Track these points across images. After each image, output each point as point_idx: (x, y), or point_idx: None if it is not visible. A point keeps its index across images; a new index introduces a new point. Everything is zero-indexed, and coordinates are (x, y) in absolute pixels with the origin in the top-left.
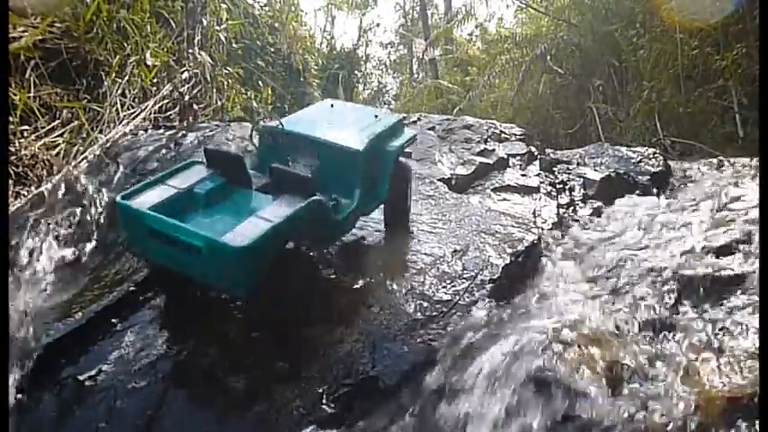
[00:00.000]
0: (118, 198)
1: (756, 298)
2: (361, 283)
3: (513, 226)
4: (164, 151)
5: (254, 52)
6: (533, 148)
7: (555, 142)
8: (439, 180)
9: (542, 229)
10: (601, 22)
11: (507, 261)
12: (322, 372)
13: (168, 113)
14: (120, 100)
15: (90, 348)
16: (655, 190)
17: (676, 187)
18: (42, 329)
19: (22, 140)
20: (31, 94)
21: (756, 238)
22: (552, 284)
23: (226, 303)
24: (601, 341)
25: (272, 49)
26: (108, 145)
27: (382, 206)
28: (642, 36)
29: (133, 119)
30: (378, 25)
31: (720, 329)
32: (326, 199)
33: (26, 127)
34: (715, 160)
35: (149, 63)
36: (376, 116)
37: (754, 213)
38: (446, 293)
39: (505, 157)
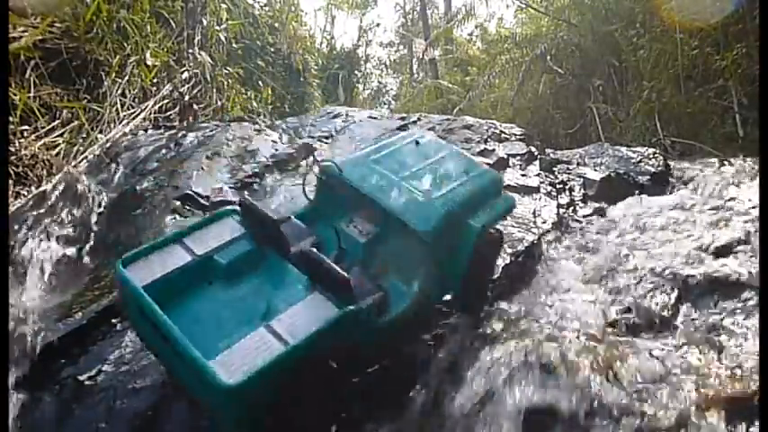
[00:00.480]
0: (118, 263)
1: (756, 298)
2: None
3: (512, 226)
4: (164, 151)
5: (254, 52)
6: (533, 148)
7: (555, 142)
8: None
9: (542, 229)
10: (601, 22)
11: (507, 261)
12: None
13: (168, 113)
14: (120, 100)
15: (90, 348)
16: (655, 190)
17: (676, 187)
18: (42, 329)
19: (22, 140)
20: (31, 94)
21: (756, 238)
22: (552, 284)
23: None
24: (601, 341)
25: (272, 49)
26: (108, 145)
27: None
28: (642, 36)
29: (133, 119)
30: (378, 25)
31: (720, 329)
32: (369, 302)
33: (26, 127)
34: (715, 160)
35: (149, 63)
36: (467, 171)
37: (754, 213)
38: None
39: (505, 157)
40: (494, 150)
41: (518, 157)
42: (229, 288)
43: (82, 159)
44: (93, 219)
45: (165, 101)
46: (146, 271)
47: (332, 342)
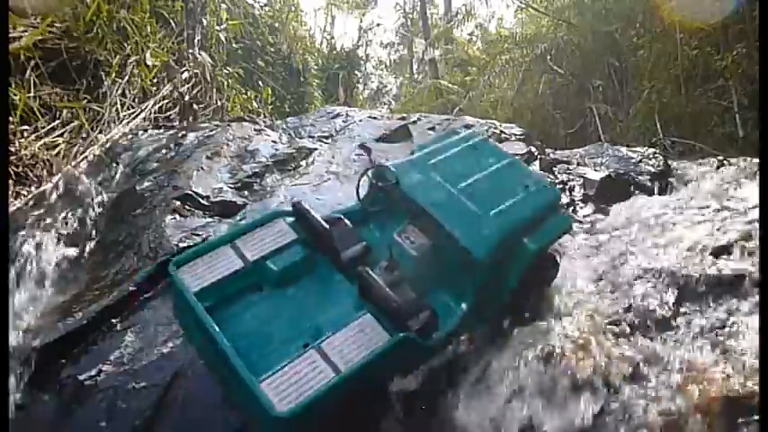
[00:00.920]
0: (171, 264)
1: (756, 298)
2: None
3: None
4: (164, 151)
5: (254, 52)
6: (533, 148)
7: (555, 142)
8: None
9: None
10: (601, 22)
11: None
12: None
13: (168, 113)
14: (120, 100)
15: (90, 348)
16: (655, 190)
17: (676, 187)
18: (42, 329)
19: (22, 140)
20: (31, 94)
21: (756, 238)
22: (552, 284)
23: None
24: (601, 340)
25: (272, 49)
26: (108, 145)
27: None
28: (642, 36)
29: (133, 119)
30: (378, 25)
31: (720, 329)
32: (418, 326)
33: (26, 127)
34: (715, 160)
35: (149, 63)
36: (527, 186)
37: (754, 213)
38: None
39: None
40: None
41: (518, 157)
42: (280, 297)
43: (82, 159)
44: (93, 219)
45: (165, 101)
46: (198, 275)
47: (382, 368)
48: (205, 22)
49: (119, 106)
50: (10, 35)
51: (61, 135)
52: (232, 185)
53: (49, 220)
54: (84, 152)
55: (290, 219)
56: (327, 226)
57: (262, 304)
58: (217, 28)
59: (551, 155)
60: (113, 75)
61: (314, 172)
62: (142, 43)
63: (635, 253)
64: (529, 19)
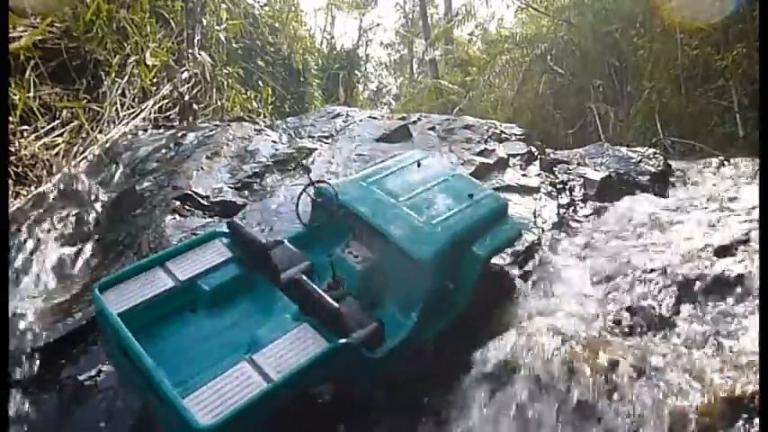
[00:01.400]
0: (95, 287)
1: (756, 298)
2: None
3: None
4: (164, 151)
5: (254, 52)
6: (533, 148)
7: (555, 142)
8: None
9: (542, 229)
10: (601, 22)
11: (507, 261)
12: None
13: (168, 113)
14: (120, 100)
15: (90, 348)
16: (655, 190)
17: (676, 187)
18: (42, 329)
19: (22, 140)
20: (31, 94)
21: (756, 238)
22: (552, 284)
23: None
24: (601, 340)
25: (272, 49)
26: (108, 145)
27: None
28: (642, 36)
29: (133, 119)
30: (378, 25)
31: (720, 329)
32: (361, 335)
33: (26, 127)
34: (715, 160)
35: (149, 63)
36: (471, 195)
37: (754, 213)
38: None
39: (506, 157)
40: (494, 150)
41: (518, 157)
42: (213, 316)
43: (82, 159)
44: (93, 219)
45: (165, 101)
46: (124, 297)
47: (320, 377)
48: (205, 21)
49: (118, 106)
50: (10, 35)
51: (61, 135)
52: (232, 185)
53: (48, 220)
54: (83, 152)
55: (227, 240)
56: (263, 242)
57: (195, 323)
58: (217, 28)
59: (551, 155)
60: (113, 75)
61: (314, 172)
62: (142, 43)
63: (635, 253)
64: (529, 19)
